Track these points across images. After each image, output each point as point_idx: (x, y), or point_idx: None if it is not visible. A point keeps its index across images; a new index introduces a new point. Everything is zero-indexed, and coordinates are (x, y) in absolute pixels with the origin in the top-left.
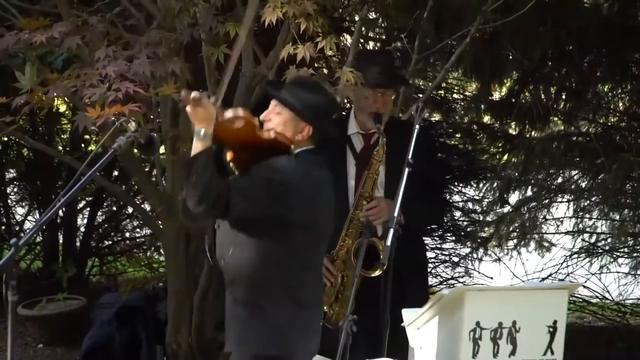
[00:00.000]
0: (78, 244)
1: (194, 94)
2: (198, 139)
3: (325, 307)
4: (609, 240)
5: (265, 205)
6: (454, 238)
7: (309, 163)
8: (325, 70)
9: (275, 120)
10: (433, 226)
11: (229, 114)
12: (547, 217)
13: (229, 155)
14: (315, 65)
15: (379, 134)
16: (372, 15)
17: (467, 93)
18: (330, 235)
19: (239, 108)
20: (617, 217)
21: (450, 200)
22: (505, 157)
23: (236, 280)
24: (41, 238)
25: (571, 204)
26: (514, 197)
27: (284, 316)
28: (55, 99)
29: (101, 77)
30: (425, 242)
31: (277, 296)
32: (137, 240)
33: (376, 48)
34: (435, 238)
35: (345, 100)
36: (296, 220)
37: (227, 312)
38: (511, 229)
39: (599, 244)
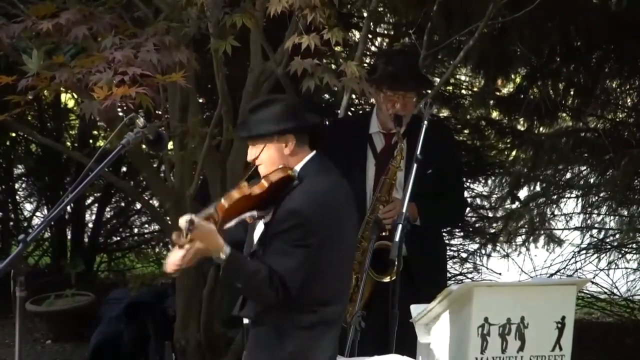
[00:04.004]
0: (86, 240)
1: (181, 223)
2: (221, 262)
3: None
4: (617, 236)
5: (309, 256)
6: (462, 234)
7: (313, 179)
8: (333, 66)
9: (261, 156)
10: (452, 226)
11: (222, 203)
12: (556, 213)
13: (248, 220)
14: (324, 60)
15: (398, 138)
16: (381, 11)
17: (475, 89)
18: (355, 233)
19: (224, 198)
20: (626, 213)
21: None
22: (514, 153)
23: (266, 324)
24: (49, 234)
25: (580, 199)
26: (522, 193)
27: (306, 338)
28: (63, 92)
29: (108, 62)
30: None
31: (303, 320)
32: (146, 236)
33: (394, 46)
34: (444, 234)
35: (354, 96)
36: (325, 240)
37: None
38: (520, 224)
39: (608, 240)
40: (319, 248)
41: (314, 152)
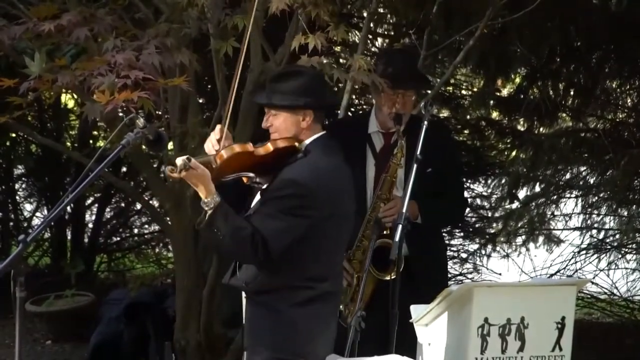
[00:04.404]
0: (86, 240)
1: (178, 161)
2: (207, 207)
3: (341, 307)
4: (617, 236)
5: (297, 226)
6: (462, 234)
7: (318, 155)
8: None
9: (276, 123)
10: (452, 226)
11: (221, 153)
12: (556, 213)
13: (244, 180)
14: (325, 61)
15: (398, 136)
16: (381, 11)
17: (475, 89)
18: (353, 218)
19: (225, 149)
20: (626, 213)
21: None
22: (514, 153)
23: (258, 292)
24: (49, 234)
25: (579, 200)
26: (522, 193)
27: (302, 315)
28: (64, 92)
29: (110, 65)
30: None
31: (296, 295)
32: (146, 236)
33: (394, 46)
34: (444, 234)
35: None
36: (320, 216)
37: (245, 312)
38: (519, 225)
39: (607, 240)
40: (314, 221)
41: (324, 132)
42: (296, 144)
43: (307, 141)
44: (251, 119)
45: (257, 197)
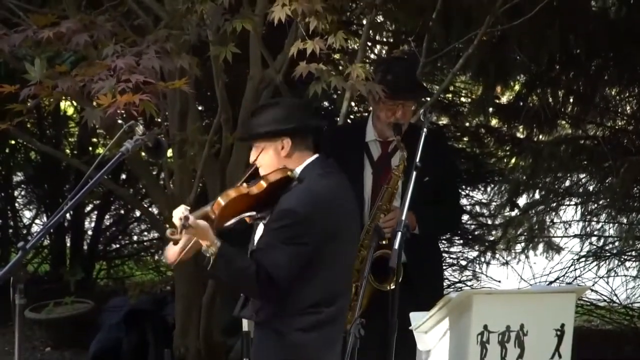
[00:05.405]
0: (86, 247)
1: (176, 221)
2: (209, 254)
3: None
4: (616, 243)
5: (299, 254)
6: (461, 241)
7: (313, 179)
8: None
9: (260, 158)
10: (450, 233)
11: (218, 201)
12: (555, 220)
13: (247, 220)
14: (323, 67)
15: (399, 147)
16: (380, 19)
17: (474, 96)
18: (358, 238)
19: (220, 197)
20: (625, 221)
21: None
22: (513, 160)
23: (266, 321)
24: (49, 241)
25: (579, 207)
26: (521, 201)
27: (307, 340)
28: (63, 99)
29: (110, 70)
30: None
31: (302, 320)
32: (145, 243)
33: (392, 54)
34: (443, 241)
35: (353, 104)
36: (320, 240)
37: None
38: (519, 232)
39: (607, 248)
40: (317, 246)
41: (316, 155)
42: (289, 173)
43: (299, 170)
44: None
45: (259, 229)
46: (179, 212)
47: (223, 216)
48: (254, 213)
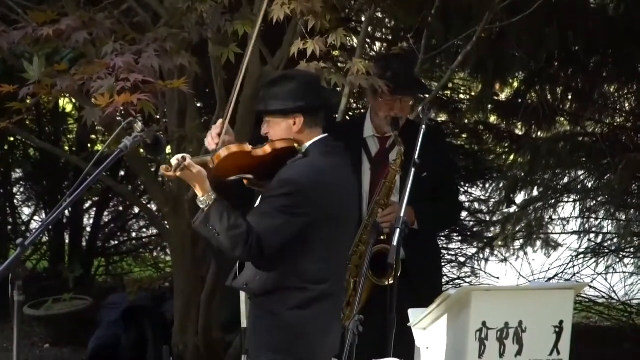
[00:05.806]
0: (84, 244)
1: (173, 160)
2: (203, 205)
3: None
4: (615, 240)
5: (292, 224)
6: (460, 238)
7: (318, 156)
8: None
9: (272, 130)
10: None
11: (219, 153)
12: (553, 217)
13: (245, 182)
14: (323, 65)
15: (396, 142)
16: (379, 15)
17: (473, 93)
18: (356, 220)
19: (225, 147)
20: (623, 217)
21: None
22: (512, 157)
23: (257, 294)
24: (47, 238)
25: (577, 204)
26: (520, 197)
27: (300, 318)
28: (62, 97)
29: (109, 69)
30: None
31: (294, 297)
32: (144, 240)
33: (391, 51)
34: (442, 238)
35: (351, 100)
36: (316, 216)
37: (249, 314)
38: (517, 229)
39: (605, 244)
40: (314, 221)
41: (325, 134)
42: (295, 145)
43: (308, 143)
44: (249, 125)
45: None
46: (179, 155)
47: (221, 168)
48: (252, 177)
